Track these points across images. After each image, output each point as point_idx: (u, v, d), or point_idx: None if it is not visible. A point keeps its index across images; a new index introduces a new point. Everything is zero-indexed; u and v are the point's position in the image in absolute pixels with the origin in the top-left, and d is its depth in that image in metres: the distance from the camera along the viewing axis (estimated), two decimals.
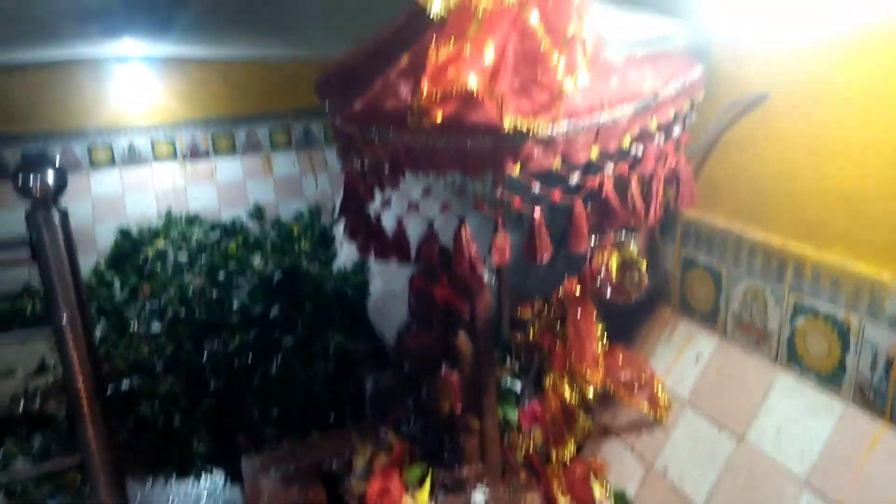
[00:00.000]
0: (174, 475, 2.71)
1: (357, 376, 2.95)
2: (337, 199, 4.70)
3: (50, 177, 1.81)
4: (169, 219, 4.37)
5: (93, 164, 4.32)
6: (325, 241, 4.47)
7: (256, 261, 3.95)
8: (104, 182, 4.34)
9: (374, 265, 3.62)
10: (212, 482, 2.66)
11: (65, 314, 1.82)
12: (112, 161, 4.35)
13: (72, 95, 4.24)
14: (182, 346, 3.30)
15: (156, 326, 3.47)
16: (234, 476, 2.64)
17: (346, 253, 4.12)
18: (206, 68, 4.43)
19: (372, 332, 3.37)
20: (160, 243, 4.20)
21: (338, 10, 3.29)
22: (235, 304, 3.51)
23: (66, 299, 1.85)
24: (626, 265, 1.75)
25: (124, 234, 4.23)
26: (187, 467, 2.71)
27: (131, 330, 3.51)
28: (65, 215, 1.83)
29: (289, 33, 3.83)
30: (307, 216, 4.66)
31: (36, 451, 2.78)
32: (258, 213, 4.61)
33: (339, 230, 4.45)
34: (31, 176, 1.80)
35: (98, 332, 3.49)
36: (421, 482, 1.80)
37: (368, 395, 2.53)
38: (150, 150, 4.44)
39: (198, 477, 2.68)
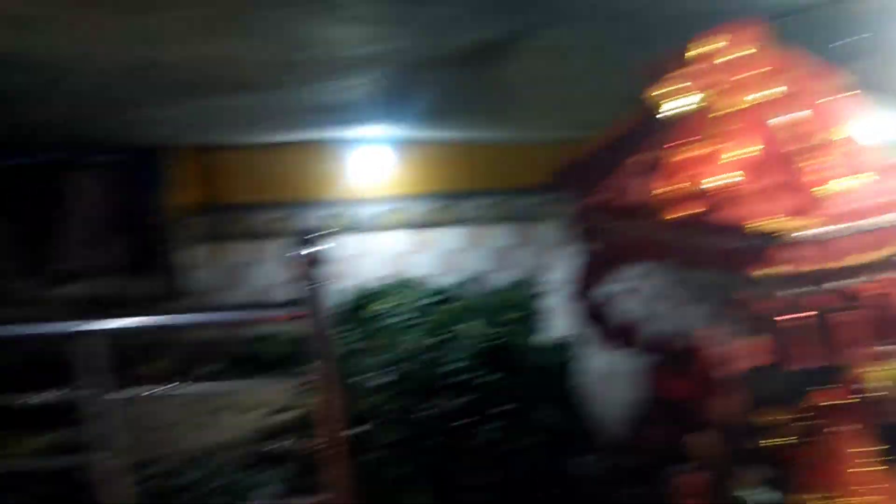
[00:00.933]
0: None
1: (567, 457, 2.92)
2: (547, 272, 4.78)
3: (318, 248, 2.10)
4: (395, 282, 4.78)
5: (336, 231, 4.90)
6: (534, 314, 4.54)
7: (470, 328, 4.13)
8: (343, 247, 4.89)
9: (588, 343, 3.59)
10: None
11: (325, 366, 2.07)
12: (351, 229, 4.89)
13: (320, 170, 4.88)
14: (400, 402, 3.52)
15: (378, 381, 3.75)
16: None
17: (556, 327, 4.15)
18: (439, 149, 4.86)
19: (579, 412, 3.33)
20: (385, 304, 4.58)
21: (564, 100, 3.46)
22: (450, 368, 3.69)
23: (325, 353, 2.10)
24: None
25: (356, 293, 4.69)
26: None
27: (356, 383, 3.84)
28: (325, 280, 2.09)
29: (516, 120, 4.08)
30: (518, 287, 4.80)
31: (273, 484, 3.11)
32: (473, 281, 4.86)
33: (550, 304, 4.50)
34: (304, 247, 2.11)
35: None
36: None
37: (586, 479, 2.49)
38: (384, 219, 4.93)
39: None
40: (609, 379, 3.03)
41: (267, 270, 4.87)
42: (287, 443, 3.47)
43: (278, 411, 3.80)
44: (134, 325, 2.38)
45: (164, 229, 4.66)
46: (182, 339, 4.70)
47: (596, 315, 1.84)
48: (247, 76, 2.49)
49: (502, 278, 4.94)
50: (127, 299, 4.63)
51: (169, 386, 2.10)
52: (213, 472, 3.16)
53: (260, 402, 3.89)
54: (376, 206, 4.94)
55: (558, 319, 4.18)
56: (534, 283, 4.80)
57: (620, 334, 1.78)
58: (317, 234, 2.14)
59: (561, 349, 3.80)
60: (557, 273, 4.56)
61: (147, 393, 2.02)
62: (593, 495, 2.58)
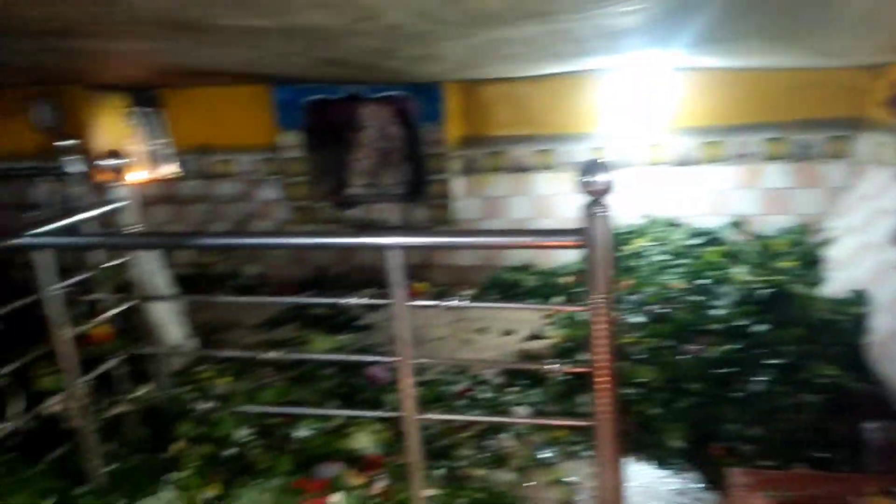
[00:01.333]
0: (644, 461, 2.87)
1: (850, 419, 2.65)
2: (832, 217, 4.26)
3: (604, 179, 2.09)
4: (651, 220, 4.62)
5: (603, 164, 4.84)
6: (811, 263, 4.11)
7: (739, 273, 3.87)
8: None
9: (881, 298, 3.16)
10: (681, 478, 2.73)
11: (603, 295, 2.09)
12: (612, 163, 4.78)
13: (581, 103, 4.80)
14: (659, 342, 3.45)
15: (636, 318, 3.72)
16: (705, 480, 2.67)
17: (839, 280, 3.71)
18: (710, 78, 4.50)
19: (867, 372, 2.99)
20: (641, 242, 4.47)
21: (873, 18, 2.95)
22: (716, 313, 3.52)
23: (604, 283, 2.12)
24: None
25: (613, 230, 4.64)
26: (657, 457, 2.84)
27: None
28: (606, 211, 2.07)
29: (813, 43, 3.59)
30: (794, 233, 4.35)
31: (531, 404, 3.29)
32: (740, 224, 4.51)
33: (832, 253, 4.03)
34: (590, 177, 2.11)
35: None
36: None
37: (874, 444, 2.25)
38: (639, 154, 4.74)
39: (666, 468, 2.79)
40: None
41: (525, 203, 5.02)
42: (548, 366, 3.61)
43: (535, 336, 3.99)
44: (427, 242, 2.65)
45: (435, 161, 5.02)
46: (440, 263, 5.10)
47: None
48: (535, 5, 2.52)
49: (776, 222, 4.51)
50: (400, 224, 5.14)
51: (455, 300, 2.27)
52: (477, 385, 3.43)
53: (517, 327, 4.11)
54: (640, 140, 4.76)
55: (845, 270, 3.73)
56: (815, 229, 4.32)
57: None
58: (600, 165, 2.13)
59: (847, 303, 3.42)
60: (846, 219, 4.05)
61: (443, 304, 2.22)
62: (884, 465, 2.33)
